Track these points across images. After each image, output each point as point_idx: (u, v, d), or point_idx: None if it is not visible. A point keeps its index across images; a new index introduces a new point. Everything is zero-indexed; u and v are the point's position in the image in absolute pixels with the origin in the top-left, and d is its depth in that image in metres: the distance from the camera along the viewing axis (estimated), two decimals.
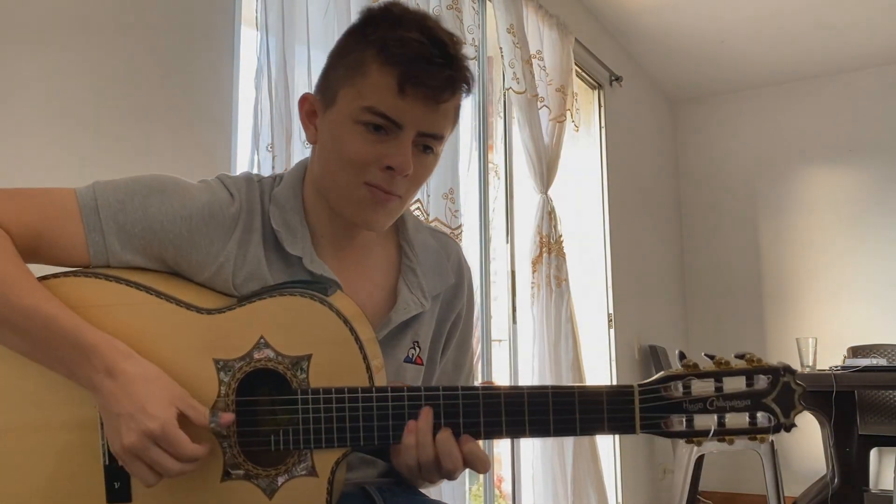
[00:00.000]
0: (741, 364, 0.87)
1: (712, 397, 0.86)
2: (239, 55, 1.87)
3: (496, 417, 0.88)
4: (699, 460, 3.69)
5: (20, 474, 0.87)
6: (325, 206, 1.01)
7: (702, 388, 0.86)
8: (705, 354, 0.88)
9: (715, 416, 0.86)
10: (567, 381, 3.01)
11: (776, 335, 4.51)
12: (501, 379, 2.95)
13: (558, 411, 0.87)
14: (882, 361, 3.50)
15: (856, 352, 3.91)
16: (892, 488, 3.56)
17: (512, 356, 2.96)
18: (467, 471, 1.17)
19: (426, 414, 0.88)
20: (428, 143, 0.97)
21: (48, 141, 1.47)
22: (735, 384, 0.86)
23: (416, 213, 2.26)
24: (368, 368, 0.89)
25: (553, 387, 0.88)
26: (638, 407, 0.87)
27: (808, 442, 4.12)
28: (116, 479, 0.87)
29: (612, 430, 0.88)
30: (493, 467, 2.83)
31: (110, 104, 1.58)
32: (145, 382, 0.82)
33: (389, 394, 0.88)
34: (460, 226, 2.42)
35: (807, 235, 4.57)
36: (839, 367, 3.18)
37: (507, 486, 2.98)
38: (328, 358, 0.88)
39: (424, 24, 0.93)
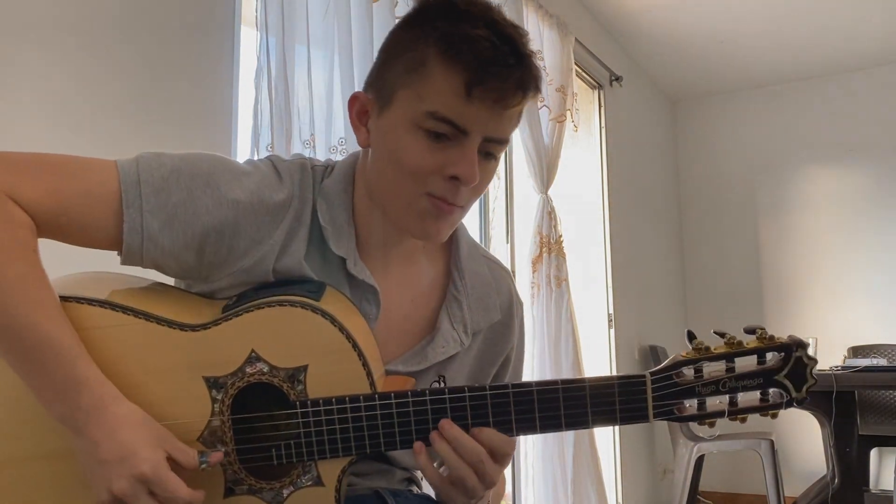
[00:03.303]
0: (752, 342, 0.86)
1: (725, 379, 0.84)
2: (239, 55, 1.87)
3: (506, 416, 0.85)
4: (699, 460, 3.70)
5: None
6: (375, 209, 0.94)
7: (714, 370, 0.85)
8: (714, 332, 0.85)
9: (727, 397, 0.85)
10: None
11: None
12: None
13: (569, 405, 0.85)
14: (882, 361, 3.50)
15: (856, 352, 3.91)
16: (892, 488, 3.56)
17: None
18: None
19: (437, 432, 0.84)
20: (491, 150, 0.89)
21: (47, 140, 1.47)
22: (747, 363, 0.85)
23: None
24: (370, 375, 0.85)
25: (563, 381, 0.85)
26: (651, 396, 0.84)
27: (808, 442, 4.12)
28: None
29: (625, 420, 0.85)
30: None
31: (110, 104, 1.58)
32: (132, 426, 0.77)
33: (393, 400, 0.85)
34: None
35: (807, 235, 4.57)
36: (839, 367, 3.18)
37: (507, 487, 2.98)
38: (326, 368, 0.85)
39: (491, 19, 0.85)
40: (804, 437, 4.16)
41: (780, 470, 3.51)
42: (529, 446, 2.91)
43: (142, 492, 0.75)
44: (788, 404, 0.85)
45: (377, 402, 0.84)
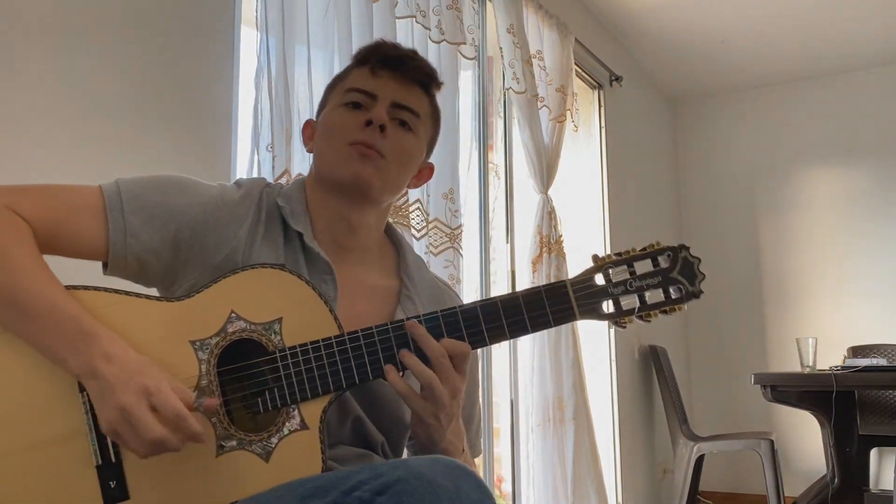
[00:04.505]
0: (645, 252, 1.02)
1: (630, 279, 1.00)
2: (239, 55, 1.87)
3: (459, 333, 0.97)
4: (699, 460, 3.70)
5: (12, 501, 0.85)
6: (325, 204, 1.09)
7: (619, 274, 1.00)
8: (614, 253, 1.02)
9: (636, 296, 1.00)
10: (568, 380, 3.01)
11: (776, 335, 4.51)
12: (502, 381, 2.95)
13: (509, 315, 0.98)
14: (882, 361, 3.50)
15: (856, 352, 3.91)
16: (892, 488, 3.56)
17: (512, 356, 2.96)
18: None
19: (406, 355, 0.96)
20: (404, 118, 1.09)
21: (47, 141, 1.47)
22: (644, 266, 1.01)
23: (416, 212, 2.26)
24: (336, 319, 0.96)
25: (500, 297, 0.99)
26: (573, 297, 0.99)
27: (808, 442, 4.12)
28: (111, 479, 0.86)
29: (557, 322, 0.99)
30: (493, 467, 2.83)
31: (110, 104, 1.58)
32: (142, 361, 0.86)
33: (360, 333, 0.95)
34: (460, 226, 2.42)
35: (807, 235, 4.57)
36: (839, 367, 3.18)
37: (507, 487, 2.98)
38: (298, 318, 0.95)
39: (395, 46, 1.14)
40: (804, 437, 4.16)
41: (780, 470, 3.51)
42: (531, 447, 2.91)
43: (144, 405, 0.82)
44: (687, 298, 1.00)
45: (346, 337, 0.95)
